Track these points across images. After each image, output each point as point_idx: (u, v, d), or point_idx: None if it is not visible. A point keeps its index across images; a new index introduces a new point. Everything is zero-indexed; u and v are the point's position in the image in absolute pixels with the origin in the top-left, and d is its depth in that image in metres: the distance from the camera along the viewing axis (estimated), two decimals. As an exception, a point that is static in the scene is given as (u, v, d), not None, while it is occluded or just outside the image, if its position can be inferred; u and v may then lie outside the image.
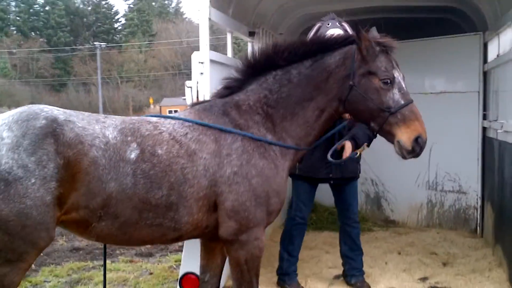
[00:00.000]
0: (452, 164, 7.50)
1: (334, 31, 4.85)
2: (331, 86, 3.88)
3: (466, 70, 7.46)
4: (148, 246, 9.08)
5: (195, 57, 4.75)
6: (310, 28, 5.14)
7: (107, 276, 7.27)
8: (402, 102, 3.71)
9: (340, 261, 5.69)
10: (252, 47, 6.60)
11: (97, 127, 3.55)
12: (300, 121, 3.96)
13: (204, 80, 4.74)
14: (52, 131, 3.35)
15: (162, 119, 3.88)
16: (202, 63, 4.74)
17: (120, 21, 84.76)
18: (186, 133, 3.76)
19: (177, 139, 3.72)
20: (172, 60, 70.16)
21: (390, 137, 3.77)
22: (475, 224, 7.52)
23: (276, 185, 3.86)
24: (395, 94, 3.74)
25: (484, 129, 7.21)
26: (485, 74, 7.31)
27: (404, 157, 3.75)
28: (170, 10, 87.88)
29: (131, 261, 8.18)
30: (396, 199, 8.18)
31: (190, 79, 4.93)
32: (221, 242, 3.91)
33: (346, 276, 5.55)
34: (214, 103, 4.02)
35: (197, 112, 3.94)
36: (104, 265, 4.87)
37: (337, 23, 4.93)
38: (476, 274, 5.67)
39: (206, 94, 4.74)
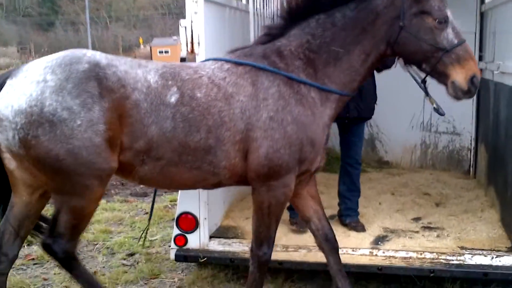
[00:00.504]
0: (447, 106, 7.46)
1: None
2: (378, 28, 3.77)
3: (463, 11, 7.28)
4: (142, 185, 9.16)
5: (189, -4, 4.63)
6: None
7: (104, 215, 7.34)
8: (456, 41, 3.63)
9: (335, 201, 5.74)
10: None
11: (139, 71, 3.60)
12: (344, 66, 3.86)
13: (198, 19, 4.63)
14: (95, 75, 3.42)
15: (201, 64, 3.92)
16: (196, 2, 4.61)
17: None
18: (225, 77, 3.76)
19: (215, 83, 3.72)
20: (161, -1, 68.68)
21: (443, 78, 3.70)
22: (468, 165, 7.59)
23: (312, 132, 3.81)
24: (449, 34, 3.65)
25: (480, 70, 7.13)
26: (482, 15, 7.19)
27: (458, 98, 3.71)
28: None
29: (126, 201, 8.27)
30: (390, 141, 8.20)
31: (180, 19, 4.82)
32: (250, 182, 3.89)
33: (341, 215, 5.60)
34: (254, 49, 3.96)
35: (237, 58, 3.91)
36: (152, 208, 5.28)
37: None
38: (468, 215, 5.75)
39: (200, 33, 4.65)
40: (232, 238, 5.12)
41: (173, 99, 3.57)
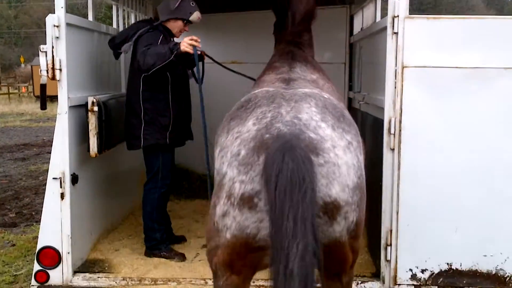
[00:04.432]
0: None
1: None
2: None
3: (334, 42, 7.60)
4: (13, 215, 8.65)
5: (49, 20, 4.46)
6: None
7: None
8: None
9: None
10: (116, 10, 6.28)
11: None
12: None
13: (60, 44, 4.45)
14: None
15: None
16: (57, 26, 4.45)
17: (-11, -27, 78.34)
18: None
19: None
20: (45, 17, 66.14)
21: None
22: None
23: None
24: None
25: (350, 99, 7.43)
26: (351, 46, 7.50)
27: None
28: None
29: (-8, 232, 7.74)
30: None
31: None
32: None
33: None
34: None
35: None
36: None
37: None
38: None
39: (62, 59, 4.46)
40: (98, 272, 4.89)
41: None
